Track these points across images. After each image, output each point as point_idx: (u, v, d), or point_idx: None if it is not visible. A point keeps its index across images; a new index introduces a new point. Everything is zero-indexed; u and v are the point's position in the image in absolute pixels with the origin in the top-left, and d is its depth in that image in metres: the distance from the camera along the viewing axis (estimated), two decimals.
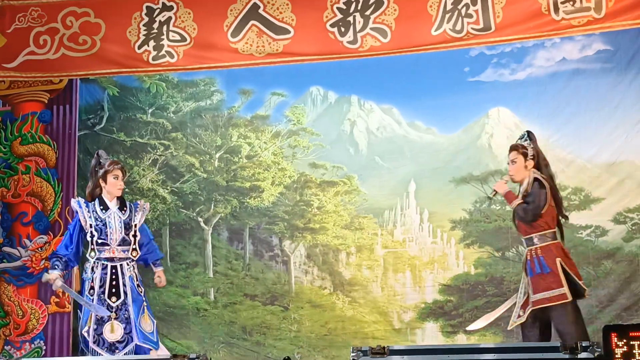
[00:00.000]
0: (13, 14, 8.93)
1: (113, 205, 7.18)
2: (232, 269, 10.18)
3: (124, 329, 6.95)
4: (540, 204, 6.98)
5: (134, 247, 7.19)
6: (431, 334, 9.48)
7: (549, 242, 6.97)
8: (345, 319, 9.76)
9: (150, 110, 10.48)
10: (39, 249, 9.02)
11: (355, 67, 9.54)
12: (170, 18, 8.56)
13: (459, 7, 7.97)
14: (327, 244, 10.00)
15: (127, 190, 10.23)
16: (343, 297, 9.86)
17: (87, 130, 10.26)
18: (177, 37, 8.51)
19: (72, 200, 7.29)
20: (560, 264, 6.89)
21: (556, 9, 7.76)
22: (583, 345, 5.12)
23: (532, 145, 7.17)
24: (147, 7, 8.67)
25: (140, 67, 8.73)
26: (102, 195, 7.18)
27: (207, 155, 10.39)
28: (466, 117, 9.84)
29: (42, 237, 9.07)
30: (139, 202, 7.41)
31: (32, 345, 8.87)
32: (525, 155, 7.15)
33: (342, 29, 8.15)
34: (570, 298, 6.82)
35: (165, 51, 8.53)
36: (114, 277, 7.04)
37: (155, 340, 7.04)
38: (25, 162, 9.22)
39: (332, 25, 8.21)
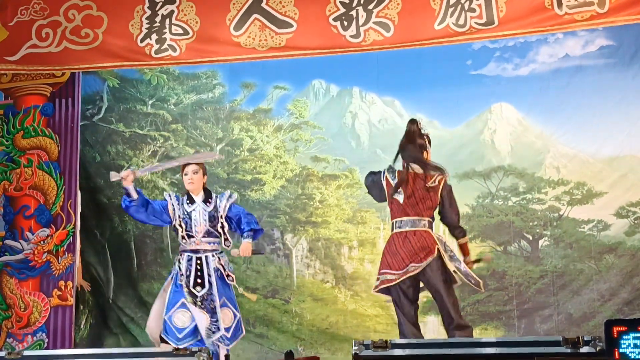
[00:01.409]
0: (15, 6, 8.90)
1: (199, 199, 7.51)
2: (233, 261, 10.18)
3: (211, 318, 7.16)
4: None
5: (225, 237, 7.53)
6: (433, 328, 9.49)
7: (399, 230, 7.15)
8: (347, 313, 9.77)
9: (150, 102, 10.49)
10: (41, 242, 9.02)
11: (357, 60, 9.53)
12: (172, 11, 8.53)
13: (462, 1, 7.93)
14: (329, 237, 10.01)
15: None
16: (345, 291, 9.87)
17: (86, 121, 10.26)
18: (180, 31, 8.49)
19: (165, 193, 7.71)
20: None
21: (559, 4, 7.72)
22: (585, 339, 5.12)
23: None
24: (149, 0, 8.65)
25: (143, 61, 8.70)
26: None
27: (207, 147, 10.39)
28: (468, 112, 9.86)
29: (44, 230, 9.07)
30: (225, 192, 7.74)
31: (34, 338, 8.88)
32: None
33: (345, 23, 8.12)
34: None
35: (168, 45, 8.50)
36: (198, 267, 7.31)
37: (229, 335, 7.21)
38: (28, 155, 9.21)
39: (335, 19, 8.18)
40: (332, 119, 10.40)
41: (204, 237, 7.42)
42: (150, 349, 6.73)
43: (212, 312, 7.19)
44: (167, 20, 8.46)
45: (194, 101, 10.51)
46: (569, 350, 5.10)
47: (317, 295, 9.95)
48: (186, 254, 7.38)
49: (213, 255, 7.41)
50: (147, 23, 8.52)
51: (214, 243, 7.48)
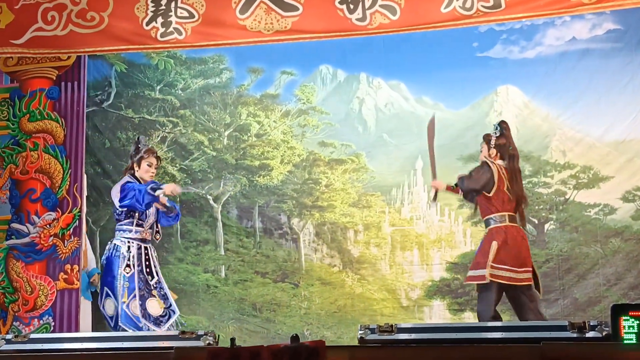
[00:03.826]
0: None
1: None
2: (243, 246, 10.20)
3: (165, 303, 7.35)
4: (480, 179, 7.30)
5: (157, 229, 7.59)
6: (438, 312, 9.52)
7: (497, 225, 7.25)
8: (355, 297, 9.79)
9: (158, 87, 10.48)
10: (48, 225, 9.02)
11: (363, 43, 9.52)
12: None
13: None
14: (335, 221, 10.01)
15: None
16: (352, 275, 9.89)
17: (95, 107, 10.27)
18: (185, 14, 8.44)
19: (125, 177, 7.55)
20: (493, 247, 7.14)
21: None
22: (591, 324, 5.11)
23: (497, 135, 7.41)
24: None
25: (148, 44, 8.66)
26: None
27: (216, 133, 10.39)
28: (474, 94, 9.83)
29: (50, 214, 9.06)
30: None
31: (41, 322, 8.89)
32: (488, 143, 7.46)
33: (351, 6, 8.07)
34: (487, 281, 7.13)
35: (173, 28, 8.46)
36: (147, 257, 7.41)
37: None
38: (34, 139, 9.20)
39: (340, 2, 8.13)
40: (340, 105, 10.39)
41: (149, 228, 7.51)
42: (157, 333, 6.75)
43: (165, 299, 7.35)
44: (173, 3, 8.41)
45: (202, 86, 10.50)
46: (575, 335, 5.09)
47: (325, 279, 9.97)
48: (135, 243, 7.40)
49: (151, 246, 7.54)
50: (152, 6, 8.47)
51: (152, 234, 7.57)
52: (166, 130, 10.40)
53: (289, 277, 10.03)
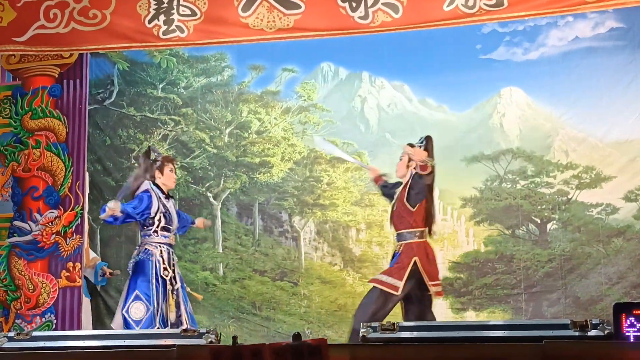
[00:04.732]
0: None
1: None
2: (242, 244, 10.19)
3: (176, 312, 7.35)
4: (423, 193, 7.41)
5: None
6: (440, 311, 9.47)
7: (415, 240, 7.38)
8: (356, 295, 9.76)
9: (160, 86, 10.48)
10: (50, 223, 9.02)
11: (366, 43, 9.51)
12: None
13: None
14: (337, 220, 10.01)
15: (136, 165, 10.28)
16: (353, 274, 9.88)
17: (97, 105, 10.26)
18: (188, 12, 8.43)
19: (147, 181, 7.60)
20: (415, 262, 7.26)
21: None
22: (593, 323, 5.11)
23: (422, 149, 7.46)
24: None
25: (151, 42, 8.65)
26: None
27: (217, 130, 10.38)
28: (478, 96, 9.84)
29: (52, 212, 9.06)
30: None
31: (43, 319, 8.89)
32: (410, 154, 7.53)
33: (354, 4, 8.05)
34: (399, 294, 7.28)
35: (176, 26, 8.44)
36: (173, 262, 7.51)
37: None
38: (36, 137, 9.19)
39: (343, 0, 8.13)
40: (341, 102, 10.39)
41: (174, 233, 7.66)
42: (159, 331, 6.75)
43: (178, 307, 7.37)
44: (175, 1, 8.40)
45: (204, 84, 10.50)
46: (577, 334, 5.08)
47: (326, 278, 9.96)
48: (166, 248, 7.48)
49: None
50: (154, 4, 8.46)
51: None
52: (168, 129, 10.40)
53: (288, 276, 10.02)
